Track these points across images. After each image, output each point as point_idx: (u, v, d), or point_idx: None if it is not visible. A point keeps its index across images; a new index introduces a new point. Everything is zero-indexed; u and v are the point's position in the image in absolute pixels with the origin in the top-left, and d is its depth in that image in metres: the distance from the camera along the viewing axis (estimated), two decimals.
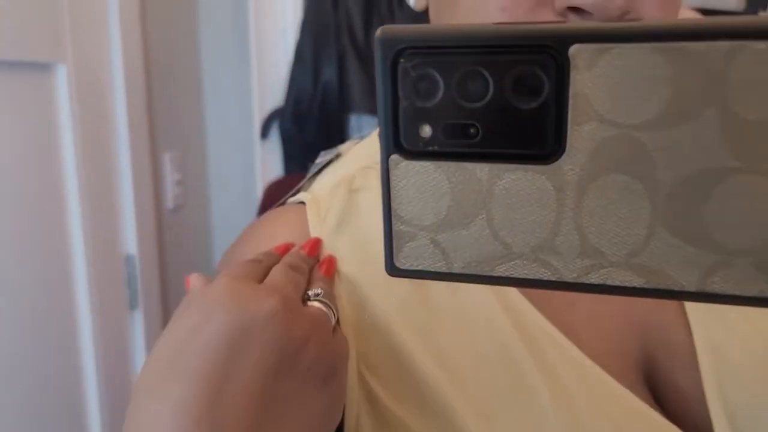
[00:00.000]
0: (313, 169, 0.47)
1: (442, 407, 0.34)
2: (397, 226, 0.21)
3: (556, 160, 0.19)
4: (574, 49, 0.18)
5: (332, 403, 0.32)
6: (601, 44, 0.18)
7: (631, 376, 0.37)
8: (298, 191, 0.46)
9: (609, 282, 0.20)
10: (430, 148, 0.20)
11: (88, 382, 1.08)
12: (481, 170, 0.20)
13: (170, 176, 1.31)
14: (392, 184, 0.21)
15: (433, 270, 0.21)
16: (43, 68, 0.96)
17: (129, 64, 1.10)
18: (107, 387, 1.10)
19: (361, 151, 0.45)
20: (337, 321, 0.35)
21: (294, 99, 1.36)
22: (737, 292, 0.19)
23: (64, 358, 1.03)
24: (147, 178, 1.20)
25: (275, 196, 1.41)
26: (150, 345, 1.20)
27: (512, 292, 0.37)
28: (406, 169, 0.20)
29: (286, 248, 0.39)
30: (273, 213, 0.45)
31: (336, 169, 0.45)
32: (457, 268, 0.21)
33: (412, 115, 0.20)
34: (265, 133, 1.42)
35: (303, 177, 1.47)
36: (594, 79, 0.18)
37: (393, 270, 0.22)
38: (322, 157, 0.47)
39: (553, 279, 0.20)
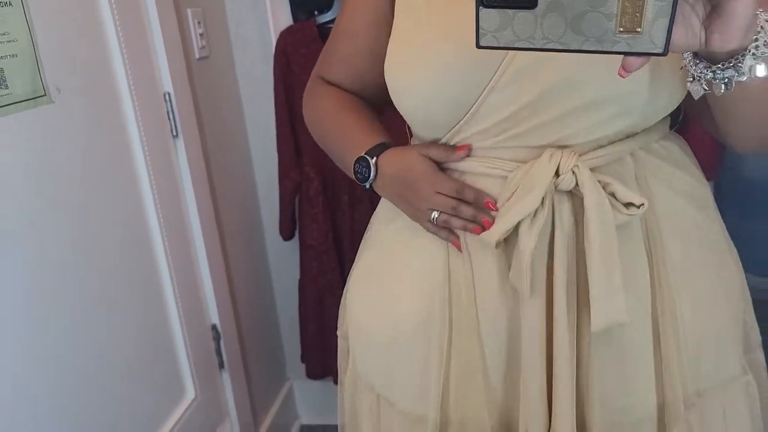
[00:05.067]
0: None
1: None
2: (482, 32, 0.48)
3: (534, 7, 0.46)
4: None
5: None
6: None
7: None
8: None
9: (550, 46, 0.48)
10: (494, 3, 0.47)
11: (147, 200, 1.35)
12: (510, 11, 0.47)
13: (194, 29, 1.52)
14: (480, 19, 0.48)
15: (491, 45, 0.49)
16: None
17: None
18: (162, 200, 1.37)
19: None
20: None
21: None
22: (590, 47, 0.47)
23: (123, 183, 1.29)
24: (174, 29, 1.42)
25: (288, 41, 1.61)
26: (192, 167, 1.46)
27: None
28: (485, 12, 0.48)
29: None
30: None
31: None
32: (502, 43, 0.48)
33: None
34: None
35: (311, 23, 1.79)
36: None
37: (479, 47, 0.49)
38: None
39: (531, 47, 0.48)
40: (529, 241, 0.69)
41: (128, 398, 1.26)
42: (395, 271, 0.84)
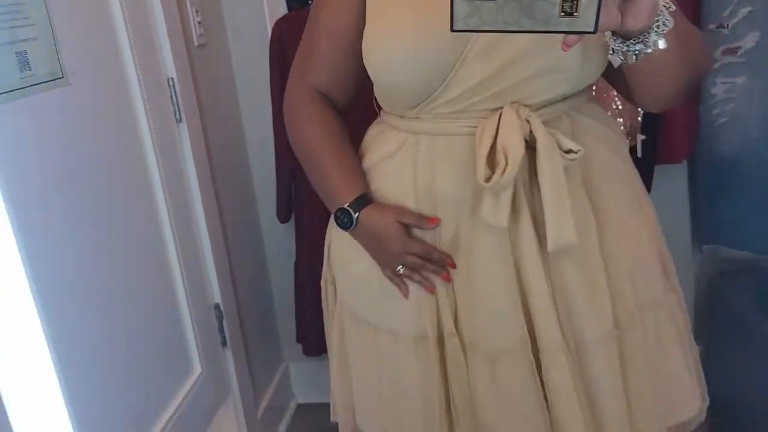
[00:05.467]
0: None
1: None
2: (455, 19, 0.59)
3: None
4: None
5: None
6: None
7: None
8: None
9: (509, 29, 0.60)
10: None
11: (154, 180, 1.39)
12: (477, 2, 0.58)
13: (192, 17, 1.57)
14: (454, 8, 0.59)
15: (463, 29, 0.60)
16: None
17: None
18: (169, 186, 1.42)
19: None
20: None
21: None
22: (540, 28, 0.59)
23: (132, 168, 1.34)
24: (176, 17, 1.47)
25: (283, 29, 1.67)
26: (194, 151, 1.51)
27: None
28: (458, 2, 0.59)
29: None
30: None
31: None
32: (471, 27, 0.59)
33: None
34: None
35: (306, 12, 1.85)
36: None
37: (453, 31, 0.60)
38: None
39: (494, 29, 0.59)
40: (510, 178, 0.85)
41: (140, 373, 1.31)
42: None
